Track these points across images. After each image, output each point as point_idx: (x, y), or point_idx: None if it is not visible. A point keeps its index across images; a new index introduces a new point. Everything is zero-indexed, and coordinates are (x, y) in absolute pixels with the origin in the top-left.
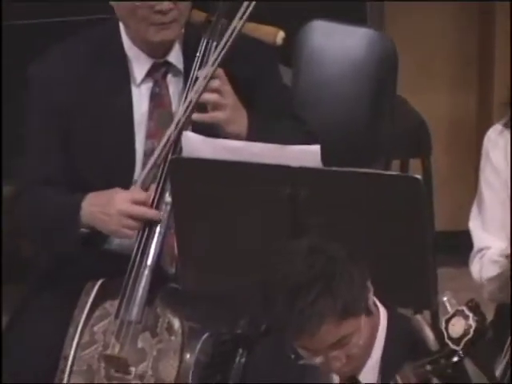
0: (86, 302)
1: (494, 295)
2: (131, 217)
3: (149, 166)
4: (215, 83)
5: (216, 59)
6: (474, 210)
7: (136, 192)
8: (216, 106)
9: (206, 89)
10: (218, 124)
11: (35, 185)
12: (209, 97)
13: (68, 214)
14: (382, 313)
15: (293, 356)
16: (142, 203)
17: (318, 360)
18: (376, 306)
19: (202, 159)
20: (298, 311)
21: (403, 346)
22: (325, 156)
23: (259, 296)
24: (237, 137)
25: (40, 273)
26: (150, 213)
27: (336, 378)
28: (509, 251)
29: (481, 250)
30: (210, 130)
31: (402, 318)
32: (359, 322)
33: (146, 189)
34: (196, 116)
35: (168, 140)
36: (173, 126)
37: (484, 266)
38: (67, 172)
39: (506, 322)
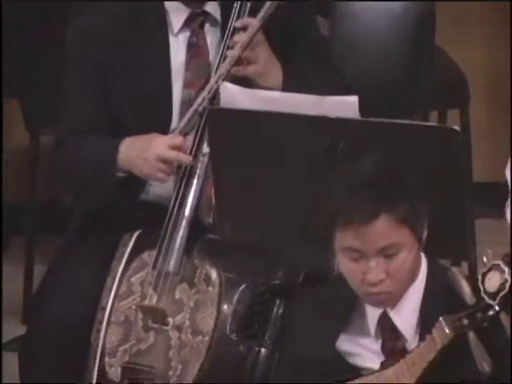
0: (124, 253)
1: None
2: (166, 161)
3: (188, 115)
4: (243, 36)
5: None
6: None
7: (172, 137)
8: (248, 61)
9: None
10: (251, 78)
11: (74, 133)
12: (237, 52)
13: (106, 158)
14: (424, 261)
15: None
16: (178, 148)
17: (360, 268)
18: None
19: (240, 110)
20: (360, 198)
21: (442, 298)
22: (363, 107)
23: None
24: (273, 89)
25: (78, 224)
26: (184, 157)
27: (372, 324)
28: None
29: None
30: (248, 82)
31: (442, 269)
32: (412, 239)
33: (184, 137)
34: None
35: (210, 91)
36: (214, 79)
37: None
38: (105, 121)
39: None
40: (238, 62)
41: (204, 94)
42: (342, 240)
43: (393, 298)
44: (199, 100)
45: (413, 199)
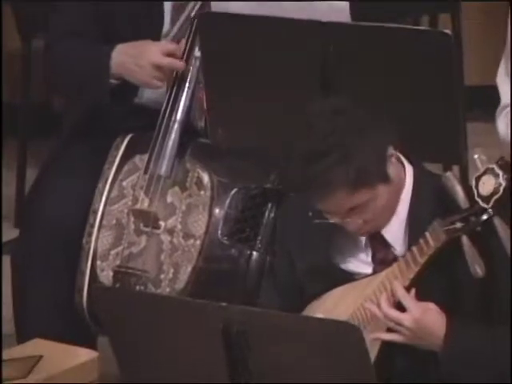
0: (116, 157)
1: None
2: (161, 68)
3: (181, 20)
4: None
5: None
6: (502, 64)
7: (166, 43)
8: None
9: None
10: None
11: (64, 37)
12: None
13: (98, 64)
14: (409, 171)
15: (310, 214)
16: (172, 54)
17: (337, 221)
18: (402, 164)
19: (231, 14)
20: (311, 177)
21: (431, 203)
22: (354, 11)
23: (281, 152)
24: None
25: (71, 127)
26: (178, 64)
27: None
28: None
29: (507, 105)
30: None
31: (430, 175)
32: (375, 191)
33: (177, 42)
34: None
35: None
36: None
37: (510, 121)
38: (97, 25)
39: None
40: None
41: None
42: (310, 200)
43: (379, 227)
44: (191, 5)
45: (367, 149)
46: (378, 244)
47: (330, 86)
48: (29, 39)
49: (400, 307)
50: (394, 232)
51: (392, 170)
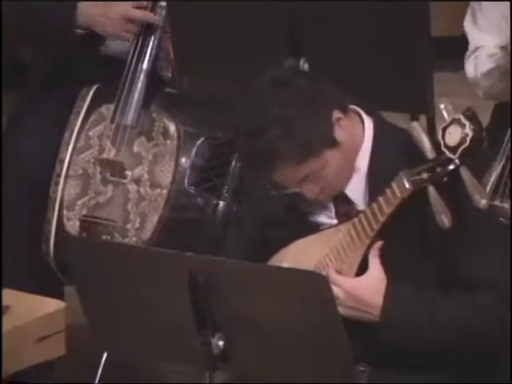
0: (82, 107)
1: (490, 92)
2: (130, 20)
3: None
4: None
5: None
6: (470, 10)
7: None
8: None
9: None
10: None
11: None
12: None
13: (64, 13)
14: (368, 123)
15: (269, 186)
16: (142, 6)
17: (293, 190)
18: (360, 116)
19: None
20: (256, 153)
21: (394, 156)
22: None
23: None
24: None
25: (37, 78)
26: (150, 16)
27: None
28: (504, 43)
29: (476, 48)
30: None
31: (391, 127)
32: (323, 158)
33: None
34: None
35: None
36: None
37: (479, 63)
38: None
39: (503, 123)
40: None
41: None
42: (260, 173)
43: (339, 189)
44: None
45: (310, 120)
46: (341, 201)
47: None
48: None
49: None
50: (356, 189)
51: (342, 132)
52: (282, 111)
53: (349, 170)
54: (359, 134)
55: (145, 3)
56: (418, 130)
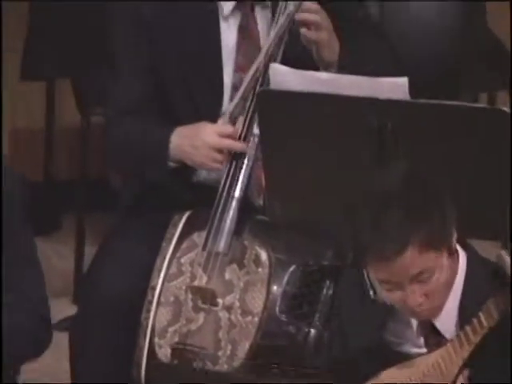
0: (174, 234)
1: None
2: (218, 150)
3: (237, 98)
4: (314, 6)
5: None
6: None
7: (223, 125)
8: (317, 27)
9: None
10: (314, 47)
11: (124, 114)
12: (309, 16)
13: (158, 148)
14: (462, 257)
15: (372, 294)
16: (229, 136)
17: (397, 296)
18: (456, 250)
19: (290, 91)
20: (383, 232)
21: (483, 292)
22: (412, 87)
23: (345, 219)
24: (328, 65)
25: (128, 204)
26: (237, 145)
27: (414, 323)
28: None
29: None
30: (298, 62)
31: (483, 262)
32: (441, 257)
33: (233, 121)
34: (303, 31)
35: (256, 71)
36: (261, 56)
37: None
38: (155, 100)
39: None
40: (308, 25)
41: (250, 74)
42: (374, 273)
43: (435, 310)
44: (246, 82)
45: (441, 212)
46: (430, 332)
47: (387, 163)
48: (88, 116)
49: None
50: (445, 321)
51: (454, 243)
52: (414, 198)
53: (446, 292)
54: (455, 263)
55: (229, 130)
56: (505, 259)
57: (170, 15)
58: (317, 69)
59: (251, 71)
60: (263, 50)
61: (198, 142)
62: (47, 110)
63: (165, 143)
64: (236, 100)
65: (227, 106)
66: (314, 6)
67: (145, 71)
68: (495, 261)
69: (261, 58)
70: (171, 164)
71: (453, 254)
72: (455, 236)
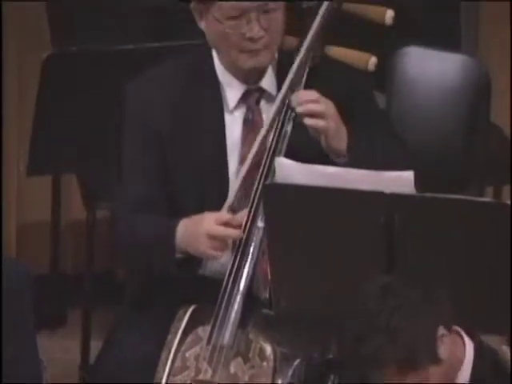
0: (179, 328)
1: None
2: (216, 238)
3: (234, 189)
4: (312, 94)
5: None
6: None
7: (220, 213)
8: (316, 115)
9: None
10: (319, 137)
11: (132, 210)
12: (311, 107)
13: (165, 242)
14: (468, 345)
15: None
16: (226, 224)
17: None
18: (462, 337)
19: (296, 185)
20: (361, 357)
21: (491, 378)
22: (418, 181)
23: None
24: (337, 153)
25: (133, 296)
26: (234, 233)
27: None
28: None
29: None
30: (304, 156)
31: (490, 350)
32: (425, 373)
33: (233, 211)
34: (306, 120)
35: (256, 162)
36: (256, 146)
37: None
38: (162, 196)
39: None
40: (313, 114)
41: (245, 165)
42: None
43: None
44: (242, 172)
45: (416, 332)
46: None
47: (395, 256)
48: (93, 209)
49: None
50: None
51: (444, 348)
52: (389, 320)
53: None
54: (460, 353)
55: (225, 218)
56: (507, 355)
57: (175, 107)
58: (326, 157)
59: (247, 161)
60: (257, 139)
61: (198, 230)
62: (53, 204)
63: (171, 236)
64: (233, 192)
65: (232, 199)
66: (312, 93)
67: (151, 170)
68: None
69: (255, 148)
70: (179, 256)
71: (440, 362)
72: (439, 345)
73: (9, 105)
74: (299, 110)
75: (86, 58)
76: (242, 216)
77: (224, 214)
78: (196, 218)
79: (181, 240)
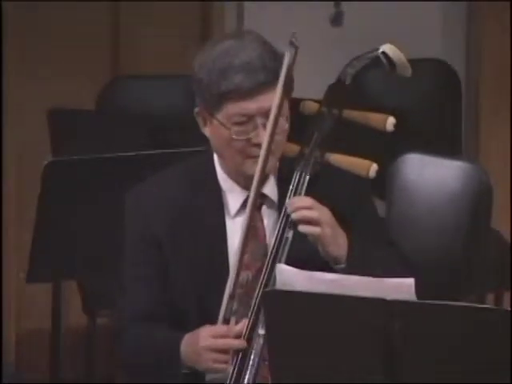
0: None
1: None
2: (217, 350)
3: (225, 299)
4: (308, 201)
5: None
6: None
7: (217, 326)
8: (310, 221)
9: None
10: (318, 244)
11: (134, 321)
12: (306, 213)
13: (169, 358)
14: None
15: None
16: (224, 336)
17: None
18: None
19: (297, 292)
20: None
21: None
22: (419, 287)
23: None
24: (335, 260)
25: None
26: (233, 343)
27: None
28: None
29: None
30: (305, 263)
31: None
32: None
33: (227, 321)
34: (300, 227)
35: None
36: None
37: None
38: (165, 306)
39: None
40: (307, 221)
41: (232, 275)
42: None
43: None
44: (231, 283)
45: None
46: None
47: (394, 363)
48: (94, 317)
49: None
50: None
51: None
52: None
53: None
54: None
55: (222, 330)
56: None
57: (176, 214)
58: (326, 264)
59: (231, 273)
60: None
61: (198, 348)
62: (53, 311)
63: (176, 354)
64: (225, 301)
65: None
66: (306, 200)
67: (153, 279)
68: None
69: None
70: (185, 371)
71: None
72: None
73: (8, 209)
74: (293, 216)
75: (86, 166)
76: (240, 325)
77: (219, 327)
78: (195, 334)
79: (185, 356)
